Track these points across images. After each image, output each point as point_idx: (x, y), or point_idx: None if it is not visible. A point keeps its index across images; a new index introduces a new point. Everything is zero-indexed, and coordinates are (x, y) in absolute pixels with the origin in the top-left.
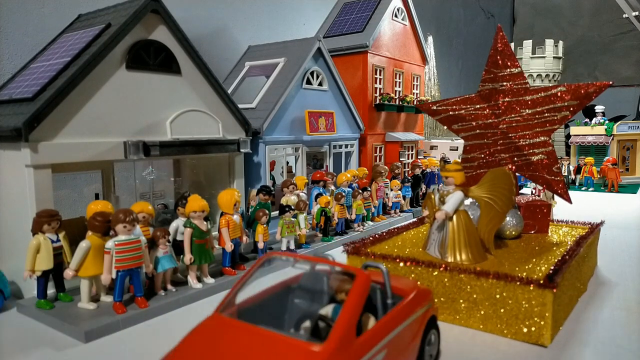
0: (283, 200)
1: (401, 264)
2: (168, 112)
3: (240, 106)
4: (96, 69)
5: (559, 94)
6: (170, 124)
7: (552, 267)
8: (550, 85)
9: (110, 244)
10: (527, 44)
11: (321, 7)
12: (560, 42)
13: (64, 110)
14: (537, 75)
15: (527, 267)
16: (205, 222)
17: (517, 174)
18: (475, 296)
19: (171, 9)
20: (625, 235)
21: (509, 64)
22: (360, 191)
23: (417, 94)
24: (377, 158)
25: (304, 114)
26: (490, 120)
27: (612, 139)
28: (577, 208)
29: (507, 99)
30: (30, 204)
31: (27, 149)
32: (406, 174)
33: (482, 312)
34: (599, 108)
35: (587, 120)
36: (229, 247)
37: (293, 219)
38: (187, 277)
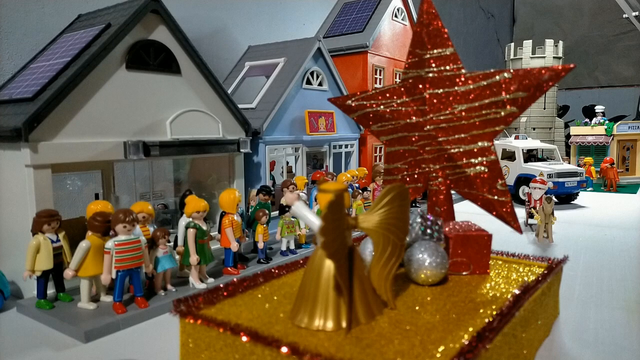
0: (283, 200)
1: (244, 339)
2: (168, 112)
3: (240, 106)
4: (96, 69)
5: (502, 83)
6: (170, 124)
7: (463, 346)
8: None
9: (110, 244)
10: (527, 44)
11: (321, 7)
12: (560, 42)
13: (64, 110)
14: None
15: (425, 344)
16: (205, 222)
17: (451, 191)
18: None
19: (171, 9)
20: (625, 235)
21: (437, 42)
22: (361, 191)
23: None
24: (377, 158)
25: (304, 114)
26: (415, 120)
27: (612, 139)
28: (578, 208)
29: (434, 91)
30: (30, 204)
31: (27, 149)
32: None
33: None
34: (599, 108)
35: (587, 120)
36: (234, 247)
37: (293, 219)
38: (189, 277)
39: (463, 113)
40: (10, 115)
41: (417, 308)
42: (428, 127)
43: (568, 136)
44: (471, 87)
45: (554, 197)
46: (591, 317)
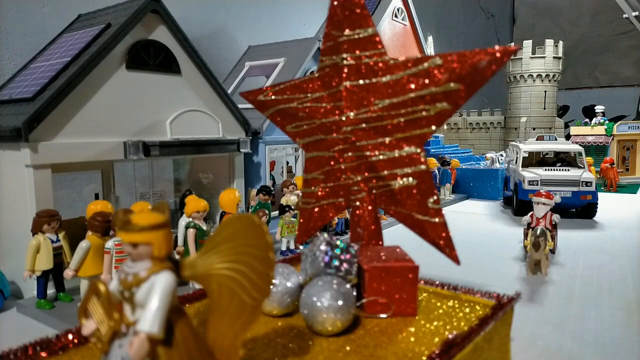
0: (283, 200)
1: None
2: (168, 112)
3: (240, 106)
4: (96, 69)
5: (431, 72)
6: (170, 124)
7: None
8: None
9: (110, 243)
10: (527, 44)
11: (321, 7)
12: (560, 42)
13: (64, 110)
14: (537, 75)
15: None
16: (205, 222)
17: (378, 210)
18: None
19: (171, 9)
20: (625, 235)
21: (355, 20)
22: None
23: None
24: None
25: None
26: (332, 119)
27: (612, 139)
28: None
29: (352, 82)
30: (30, 204)
31: (27, 149)
32: None
33: None
34: (599, 108)
35: (587, 120)
36: None
37: (293, 219)
38: None
39: (386, 111)
40: (10, 115)
41: None
42: (346, 128)
43: (568, 136)
44: (395, 77)
45: (554, 217)
46: (591, 317)
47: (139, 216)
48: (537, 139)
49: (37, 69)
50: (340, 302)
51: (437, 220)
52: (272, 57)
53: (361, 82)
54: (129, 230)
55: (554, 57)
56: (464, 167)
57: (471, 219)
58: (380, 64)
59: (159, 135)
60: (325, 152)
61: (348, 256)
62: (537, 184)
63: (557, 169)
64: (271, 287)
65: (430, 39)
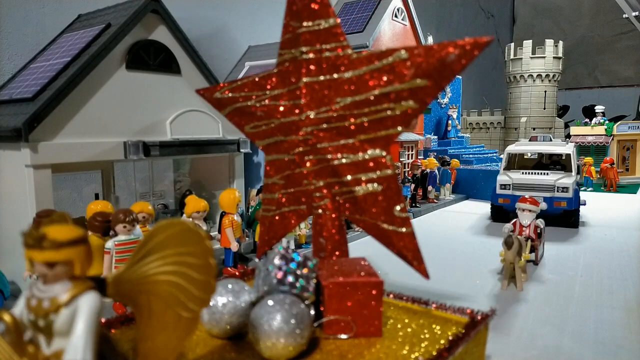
0: None
1: None
2: (168, 112)
3: None
4: (96, 69)
5: (396, 67)
6: (170, 124)
7: None
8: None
9: (110, 244)
10: (527, 44)
11: None
12: (560, 42)
13: (64, 110)
14: (537, 75)
15: None
16: (205, 222)
17: (342, 218)
18: None
19: (171, 9)
20: (625, 235)
21: (314, 9)
22: None
23: None
24: None
25: None
26: (290, 119)
27: (612, 139)
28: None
29: (312, 78)
30: (30, 204)
31: (27, 149)
32: (406, 174)
33: None
34: (599, 108)
35: (587, 120)
36: (234, 247)
37: None
38: None
39: (348, 110)
40: (11, 115)
41: None
42: (306, 128)
43: (568, 136)
44: (358, 73)
45: (538, 222)
46: (591, 317)
47: (54, 230)
48: (530, 140)
49: (37, 69)
50: (292, 325)
51: (404, 230)
52: (272, 57)
53: (322, 78)
54: (46, 248)
55: (554, 57)
56: (474, 167)
57: (470, 219)
58: (343, 59)
59: (159, 135)
60: (285, 155)
61: (305, 271)
62: (509, 188)
63: (536, 173)
64: (220, 306)
65: (430, 39)
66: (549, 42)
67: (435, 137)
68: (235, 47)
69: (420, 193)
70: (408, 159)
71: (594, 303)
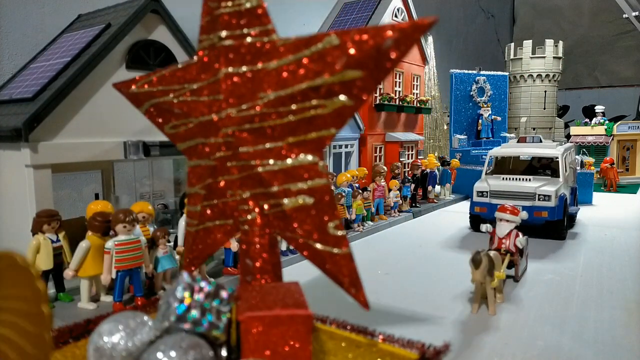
0: None
1: None
2: None
3: None
4: (96, 69)
5: (326, 55)
6: None
7: None
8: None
9: (110, 244)
10: (527, 44)
11: (321, 7)
12: (560, 42)
13: (64, 110)
14: (537, 75)
15: None
16: None
17: (273, 236)
18: None
19: (171, 9)
20: (625, 235)
21: None
22: (360, 191)
23: (417, 94)
24: (377, 158)
25: None
26: (208, 117)
27: (612, 139)
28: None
29: (233, 69)
30: (30, 204)
31: (27, 149)
32: (406, 174)
33: None
34: (599, 108)
35: (587, 120)
36: (234, 247)
37: None
38: None
39: (272, 107)
40: (10, 115)
41: None
42: (226, 129)
43: (568, 136)
44: (283, 62)
45: (518, 241)
46: (591, 317)
47: None
48: (518, 141)
49: (37, 69)
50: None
51: (338, 251)
52: None
53: (244, 68)
54: None
55: (554, 57)
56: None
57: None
58: (267, 45)
59: (159, 135)
60: (205, 160)
61: (215, 304)
62: (486, 196)
63: (516, 179)
64: (109, 346)
65: (430, 39)
66: (549, 42)
67: (465, 137)
68: None
69: (420, 193)
70: (408, 158)
71: (594, 303)
